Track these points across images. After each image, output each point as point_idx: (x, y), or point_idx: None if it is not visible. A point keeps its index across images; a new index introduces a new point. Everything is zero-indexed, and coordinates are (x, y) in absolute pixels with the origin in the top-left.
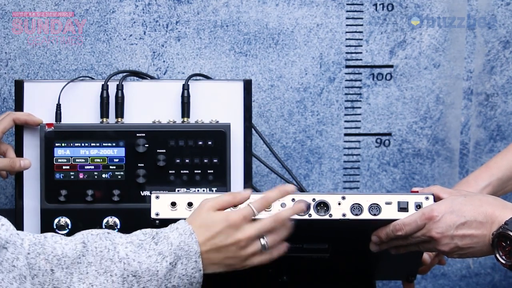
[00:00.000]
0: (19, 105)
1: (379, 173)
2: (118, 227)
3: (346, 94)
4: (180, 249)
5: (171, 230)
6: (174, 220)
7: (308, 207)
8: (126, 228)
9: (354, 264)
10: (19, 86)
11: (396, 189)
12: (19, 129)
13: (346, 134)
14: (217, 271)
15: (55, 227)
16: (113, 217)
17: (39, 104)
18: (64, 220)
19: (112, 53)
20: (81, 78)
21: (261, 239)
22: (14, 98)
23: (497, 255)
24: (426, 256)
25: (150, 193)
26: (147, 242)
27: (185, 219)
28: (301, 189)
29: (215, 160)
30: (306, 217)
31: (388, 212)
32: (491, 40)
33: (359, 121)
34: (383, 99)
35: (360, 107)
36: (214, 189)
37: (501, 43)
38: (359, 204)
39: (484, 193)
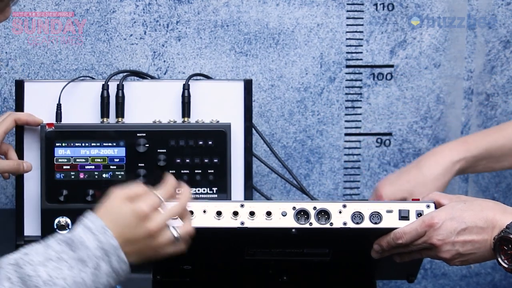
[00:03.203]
0: (19, 105)
1: (379, 173)
2: None
3: (346, 94)
4: (98, 250)
5: (84, 232)
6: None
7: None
8: None
9: (355, 265)
10: (19, 86)
11: None
12: (20, 129)
13: (346, 134)
14: (134, 262)
15: (55, 227)
16: None
17: (40, 104)
18: (64, 220)
19: (113, 53)
20: (81, 78)
21: (171, 229)
22: (14, 98)
23: (499, 259)
24: None
25: None
26: (65, 252)
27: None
28: (302, 190)
29: (215, 160)
30: (307, 225)
31: (389, 221)
32: (492, 40)
33: (360, 121)
34: (383, 99)
35: (360, 107)
36: (214, 189)
37: (501, 43)
38: (360, 213)
39: (457, 167)
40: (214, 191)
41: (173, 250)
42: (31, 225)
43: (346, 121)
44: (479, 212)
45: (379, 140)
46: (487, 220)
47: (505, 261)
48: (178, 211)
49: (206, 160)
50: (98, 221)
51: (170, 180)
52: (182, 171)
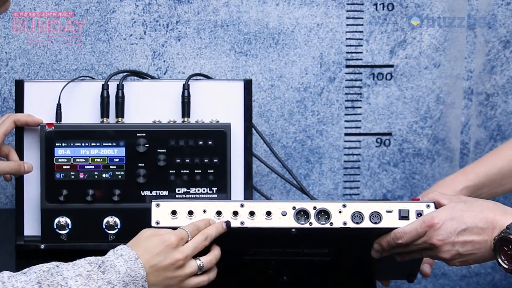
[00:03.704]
0: (19, 105)
1: (379, 173)
2: (118, 227)
3: (346, 94)
4: (127, 276)
5: (116, 258)
6: (175, 229)
7: (228, 226)
8: (126, 228)
9: (355, 265)
10: (19, 86)
11: (396, 189)
12: (20, 129)
13: (346, 134)
14: None
15: (55, 227)
16: (113, 217)
17: (40, 104)
18: (64, 220)
19: (113, 53)
20: (81, 78)
21: (197, 260)
22: (14, 98)
23: (499, 260)
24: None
25: (150, 192)
26: (95, 272)
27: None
28: (302, 190)
29: (215, 160)
30: (307, 225)
31: (389, 220)
32: (491, 40)
33: (360, 121)
34: (383, 99)
35: (360, 107)
36: (214, 189)
37: (501, 43)
38: (360, 212)
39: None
40: (214, 191)
41: (195, 283)
42: (31, 225)
43: (346, 121)
44: (479, 212)
45: (379, 140)
46: (488, 220)
47: (505, 261)
48: (204, 244)
49: (206, 160)
50: (130, 250)
51: (197, 222)
52: (182, 171)
